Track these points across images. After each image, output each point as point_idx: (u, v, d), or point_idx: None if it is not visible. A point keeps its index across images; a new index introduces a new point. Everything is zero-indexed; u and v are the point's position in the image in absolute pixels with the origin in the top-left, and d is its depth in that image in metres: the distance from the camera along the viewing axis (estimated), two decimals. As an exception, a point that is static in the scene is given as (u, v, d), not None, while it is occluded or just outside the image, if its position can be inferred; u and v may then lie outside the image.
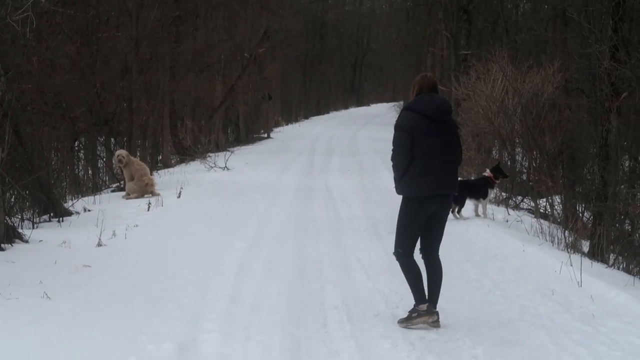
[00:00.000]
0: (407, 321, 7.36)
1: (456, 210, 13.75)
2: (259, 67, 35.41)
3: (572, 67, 18.28)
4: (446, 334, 7.16)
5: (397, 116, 7.63)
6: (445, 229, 7.62)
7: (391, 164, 7.46)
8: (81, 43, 20.04)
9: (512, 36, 27.00)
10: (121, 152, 16.33)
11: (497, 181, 14.38)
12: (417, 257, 7.50)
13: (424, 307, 7.32)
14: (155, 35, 22.57)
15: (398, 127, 7.33)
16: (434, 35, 34.82)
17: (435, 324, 7.31)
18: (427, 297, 7.39)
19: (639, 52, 13.86)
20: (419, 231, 7.42)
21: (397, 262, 7.56)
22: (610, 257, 11.76)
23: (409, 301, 7.56)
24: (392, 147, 7.38)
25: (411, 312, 7.40)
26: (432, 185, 7.22)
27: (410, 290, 7.47)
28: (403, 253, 7.41)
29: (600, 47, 13.63)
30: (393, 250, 7.55)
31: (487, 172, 14.26)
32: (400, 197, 7.47)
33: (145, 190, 15.73)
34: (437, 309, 7.40)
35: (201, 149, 24.56)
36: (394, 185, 7.50)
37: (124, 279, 8.67)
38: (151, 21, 22.04)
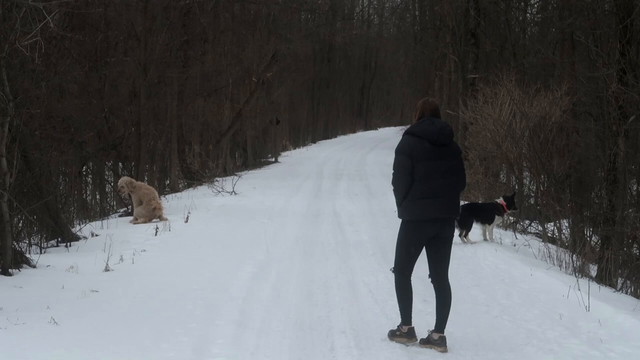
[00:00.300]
0: (392, 336, 7.62)
1: (463, 234, 13.67)
2: (267, 91, 35.49)
3: (579, 90, 18.28)
4: (453, 358, 7.14)
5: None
6: (453, 253, 7.63)
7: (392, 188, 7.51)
8: (89, 68, 20.19)
9: (519, 59, 26.97)
10: (122, 181, 16.13)
11: (508, 211, 14.29)
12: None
13: (405, 329, 7.53)
14: (163, 60, 22.66)
15: (399, 151, 7.39)
16: (441, 59, 34.93)
17: (443, 348, 7.31)
18: (413, 318, 7.50)
19: (646, 76, 13.86)
20: (418, 253, 7.50)
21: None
22: (618, 281, 11.72)
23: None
24: (392, 171, 7.42)
25: (396, 329, 7.62)
26: (432, 209, 7.26)
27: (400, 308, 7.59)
28: (400, 272, 7.51)
29: (608, 70, 13.65)
30: (391, 267, 7.63)
31: (500, 200, 14.16)
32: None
33: (153, 214, 15.68)
34: (444, 334, 7.40)
35: (209, 174, 24.54)
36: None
37: (132, 304, 8.67)
38: (159, 46, 22.17)
